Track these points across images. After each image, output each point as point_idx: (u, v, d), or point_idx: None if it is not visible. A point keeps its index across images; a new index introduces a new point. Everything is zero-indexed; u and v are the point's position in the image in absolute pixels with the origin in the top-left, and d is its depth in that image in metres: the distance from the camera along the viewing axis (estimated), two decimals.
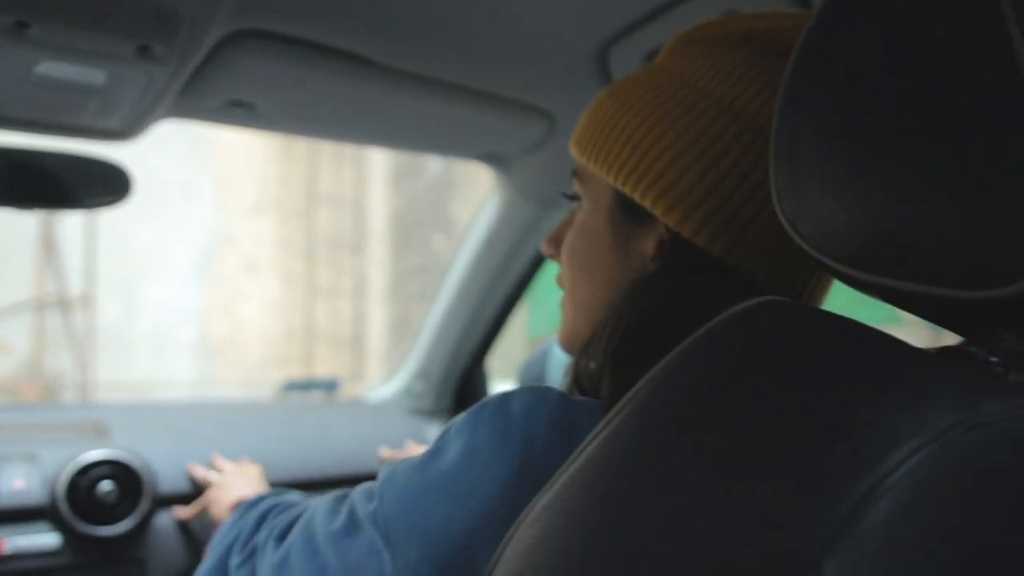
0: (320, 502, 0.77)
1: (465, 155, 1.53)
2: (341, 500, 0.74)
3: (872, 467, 0.39)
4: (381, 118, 1.27)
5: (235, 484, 1.30)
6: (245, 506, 0.94)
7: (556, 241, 0.82)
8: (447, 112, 1.25)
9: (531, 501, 0.53)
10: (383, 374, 2.11)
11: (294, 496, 0.97)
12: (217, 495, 1.27)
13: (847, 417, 0.41)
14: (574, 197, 0.80)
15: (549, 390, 0.67)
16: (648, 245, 0.72)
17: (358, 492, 0.72)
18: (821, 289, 0.74)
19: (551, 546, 0.47)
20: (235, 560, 0.83)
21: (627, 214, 0.72)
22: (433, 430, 1.82)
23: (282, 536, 0.79)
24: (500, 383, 2.03)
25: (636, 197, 0.70)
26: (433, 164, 7.42)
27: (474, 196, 7.27)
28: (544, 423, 0.64)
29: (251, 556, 0.82)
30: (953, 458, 0.38)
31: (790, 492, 0.40)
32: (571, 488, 0.49)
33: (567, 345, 0.81)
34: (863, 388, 0.43)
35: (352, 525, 0.69)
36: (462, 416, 0.68)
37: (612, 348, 0.68)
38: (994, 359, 0.45)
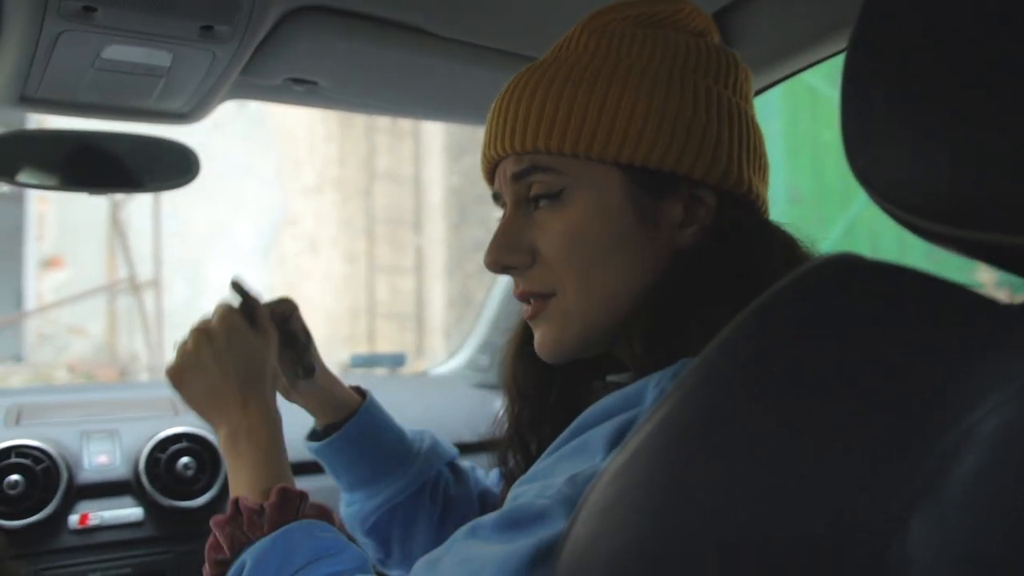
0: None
1: None
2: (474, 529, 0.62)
3: (956, 422, 0.38)
4: (440, 91, 1.27)
5: None
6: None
7: (518, 248, 0.75)
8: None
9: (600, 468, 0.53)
10: (445, 350, 2.12)
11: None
12: None
13: (930, 373, 0.41)
14: (501, 201, 0.81)
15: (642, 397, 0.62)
16: (675, 212, 0.71)
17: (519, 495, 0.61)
18: None
19: (627, 507, 0.46)
20: None
21: (646, 188, 0.70)
22: (498, 403, 1.82)
23: None
24: None
25: (665, 166, 0.70)
26: None
27: None
28: None
29: None
30: None
31: (876, 451, 0.39)
32: (643, 453, 0.49)
33: (575, 346, 0.74)
34: (945, 343, 0.42)
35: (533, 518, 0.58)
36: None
37: (692, 320, 0.64)
38: None
